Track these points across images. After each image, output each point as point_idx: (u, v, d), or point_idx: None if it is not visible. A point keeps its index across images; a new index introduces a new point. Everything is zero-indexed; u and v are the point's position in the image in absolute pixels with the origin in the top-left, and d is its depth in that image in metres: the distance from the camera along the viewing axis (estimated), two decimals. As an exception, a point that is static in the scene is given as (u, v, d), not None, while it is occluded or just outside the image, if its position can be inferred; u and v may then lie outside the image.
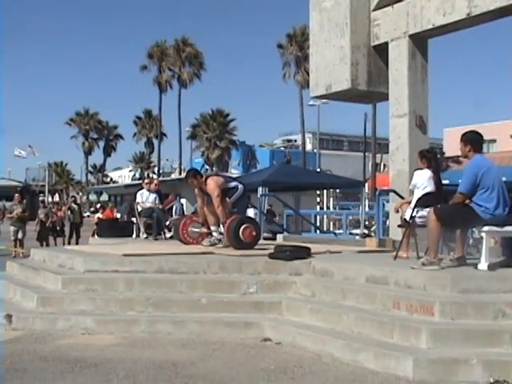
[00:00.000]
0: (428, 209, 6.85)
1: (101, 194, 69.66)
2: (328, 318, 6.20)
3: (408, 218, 7.56)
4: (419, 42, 10.63)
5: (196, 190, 9.82)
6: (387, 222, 11.41)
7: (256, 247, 8.95)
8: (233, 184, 9.66)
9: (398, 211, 8.13)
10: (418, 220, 7.45)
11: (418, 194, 7.66)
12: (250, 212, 22.16)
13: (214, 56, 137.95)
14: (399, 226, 8.09)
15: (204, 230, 9.89)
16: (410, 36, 10.52)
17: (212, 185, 9.38)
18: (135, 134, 72.58)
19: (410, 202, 7.80)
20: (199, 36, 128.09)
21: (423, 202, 7.39)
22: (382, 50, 11.12)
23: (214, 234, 9.68)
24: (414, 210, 7.45)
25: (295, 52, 51.98)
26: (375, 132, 40.85)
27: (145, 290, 7.18)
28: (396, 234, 9.37)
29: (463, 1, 9.61)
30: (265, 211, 16.25)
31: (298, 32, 51.42)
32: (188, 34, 61.65)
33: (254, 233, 8.90)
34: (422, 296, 5.81)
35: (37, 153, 68.74)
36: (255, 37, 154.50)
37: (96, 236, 16.16)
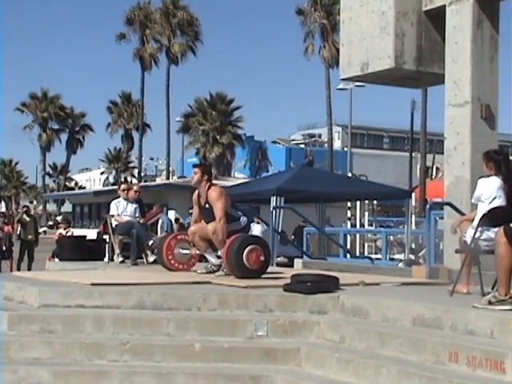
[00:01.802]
0: (496, 229, 6.81)
1: (62, 203, 70.13)
2: (362, 372, 6.18)
3: (469, 241, 7.52)
4: (487, 5, 10.63)
5: (195, 194, 9.83)
6: (441, 246, 11.37)
7: (266, 276, 8.93)
8: (237, 214, 9.69)
9: (455, 231, 8.10)
10: (482, 244, 7.41)
11: (482, 208, 7.63)
12: (256, 229, 22.26)
13: (214, 23, 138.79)
14: (457, 251, 8.05)
15: (196, 250, 9.89)
16: (476, -3, 10.53)
17: (217, 192, 9.40)
18: (109, 125, 72.96)
19: (472, 220, 7.77)
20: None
21: (490, 219, 7.35)
22: (436, 17, 11.12)
23: (211, 258, 9.68)
24: (477, 229, 7.42)
25: (320, 19, 52.16)
26: (426, 126, 40.84)
27: (120, 331, 7.16)
28: (453, 261, 9.33)
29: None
30: (279, 229, 16.23)
31: (324, -7, 51.60)
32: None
33: (262, 257, 8.90)
34: (488, 346, 5.77)
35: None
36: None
37: (56, 259, 16.17)
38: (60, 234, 21.84)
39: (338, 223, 27.18)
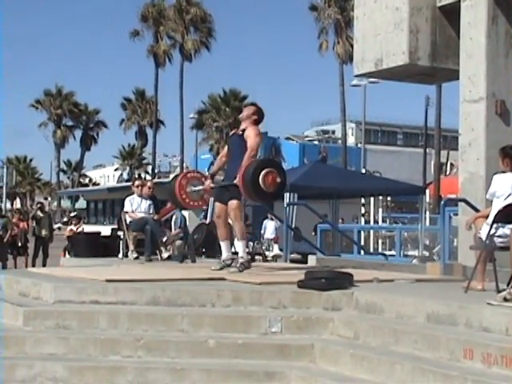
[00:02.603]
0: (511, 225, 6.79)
1: (77, 199, 70.28)
2: (376, 369, 6.17)
3: (484, 238, 7.50)
4: (503, 0, 10.57)
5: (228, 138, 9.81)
6: (455, 242, 11.34)
7: (280, 273, 8.91)
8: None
9: (470, 228, 8.07)
10: (497, 240, 7.40)
11: (498, 205, 7.60)
12: (270, 225, 22.32)
13: (227, 20, 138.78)
14: (472, 247, 8.03)
15: (209, 184, 9.81)
16: (491, -8, 10.48)
17: (256, 131, 9.24)
18: (123, 122, 73.11)
19: (486, 216, 7.74)
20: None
21: (505, 216, 7.33)
22: (451, 13, 11.09)
23: (225, 251, 9.67)
24: (492, 226, 7.39)
25: (334, 15, 52.07)
26: (440, 122, 40.72)
27: (134, 327, 7.17)
28: (467, 258, 9.31)
29: None
30: (293, 225, 16.24)
31: (338, -12, 51.47)
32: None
33: (278, 179, 8.85)
34: (503, 343, 5.74)
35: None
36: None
37: (68, 255, 16.20)
38: (71, 230, 21.95)
39: (352, 220, 27.18)
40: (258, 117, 9.56)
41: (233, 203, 9.22)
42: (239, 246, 9.38)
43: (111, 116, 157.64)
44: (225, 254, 9.62)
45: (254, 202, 8.77)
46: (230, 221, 9.42)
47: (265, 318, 7.10)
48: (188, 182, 10.03)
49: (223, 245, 9.66)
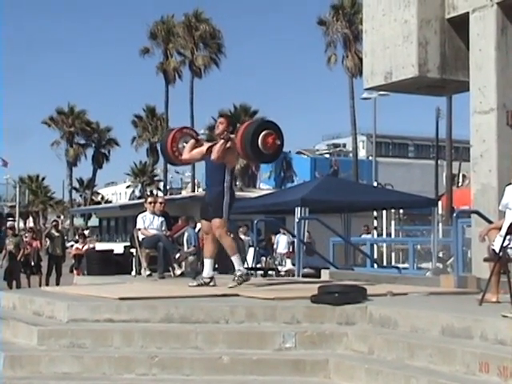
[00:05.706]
0: (525, 236, 6.76)
1: (89, 217, 70.45)
2: (391, 383, 6.14)
3: (498, 250, 7.47)
4: (511, 11, 10.58)
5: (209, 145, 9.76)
6: (469, 254, 11.30)
7: (293, 287, 8.89)
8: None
9: (483, 240, 8.05)
10: (511, 252, 7.36)
11: (511, 216, 7.57)
12: (282, 240, 22.29)
13: (236, 36, 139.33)
14: (486, 259, 7.99)
15: (199, 138, 9.76)
16: (499, 4, 10.49)
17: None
18: (134, 139, 73.26)
19: (500, 228, 7.71)
20: (216, 10, 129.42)
21: (518, 227, 7.30)
22: (460, 25, 11.10)
23: (238, 265, 9.63)
24: (505, 238, 7.36)
25: (343, 29, 52.16)
26: (451, 133, 40.61)
27: (148, 344, 7.18)
28: (481, 270, 9.27)
29: None
30: (304, 239, 16.21)
31: (346, 3, 51.61)
32: (202, 6, 62.35)
33: (277, 141, 8.79)
34: (519, 355, 5.72)
35: (8, 164, 69.05)
36: (290, 10, 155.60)
37: (75, 273, 16.18)
38: (77, 248, 22.00)
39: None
40: (233, 127, 9.36)
41: (216, 221, 9.26)
42: (234, 260, 9.36)
43: (122, 133, 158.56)
44: (241, 269, 9.49)
45: (252, 163, 8.68)
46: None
47: (279, 334, 7.10)
48: (182, 136, 10.00)
49: (206, 262, 9.59)
